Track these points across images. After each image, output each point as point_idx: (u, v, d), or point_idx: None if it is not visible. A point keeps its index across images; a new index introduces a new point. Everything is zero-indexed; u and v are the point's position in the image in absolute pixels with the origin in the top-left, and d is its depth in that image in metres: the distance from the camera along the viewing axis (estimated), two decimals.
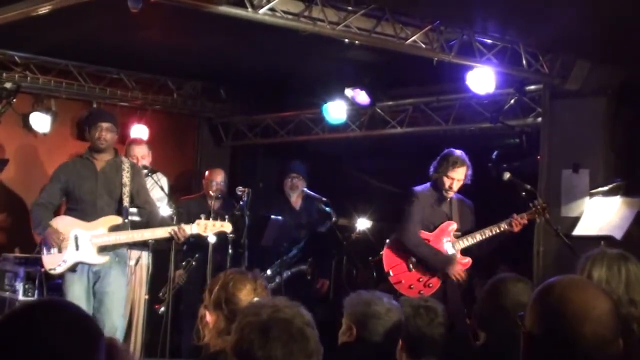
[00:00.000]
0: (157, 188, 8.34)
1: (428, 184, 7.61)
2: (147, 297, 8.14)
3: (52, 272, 7.23)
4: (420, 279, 7.45)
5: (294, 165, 9.72)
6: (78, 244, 7.15)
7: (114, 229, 7.22)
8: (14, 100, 9.82)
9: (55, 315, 2.10)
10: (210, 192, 9.06)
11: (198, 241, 8.18)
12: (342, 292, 7.84)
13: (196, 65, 10.36)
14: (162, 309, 8.25)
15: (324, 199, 8.85)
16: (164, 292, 8.25)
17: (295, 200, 9.66)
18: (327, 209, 8.72)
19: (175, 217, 7.69)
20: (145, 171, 8.33)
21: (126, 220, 7.26)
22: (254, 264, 8.80)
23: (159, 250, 7.88)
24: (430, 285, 7.42)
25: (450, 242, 7.44)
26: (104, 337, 2.18)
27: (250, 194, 8.38)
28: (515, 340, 3.36)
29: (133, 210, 7.55)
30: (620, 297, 3.52)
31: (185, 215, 8.63)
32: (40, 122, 10.24)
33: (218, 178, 9.34)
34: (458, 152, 7.50)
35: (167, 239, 7.31)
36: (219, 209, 8.91)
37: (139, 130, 10.80)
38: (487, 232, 7.40)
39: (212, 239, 7.48)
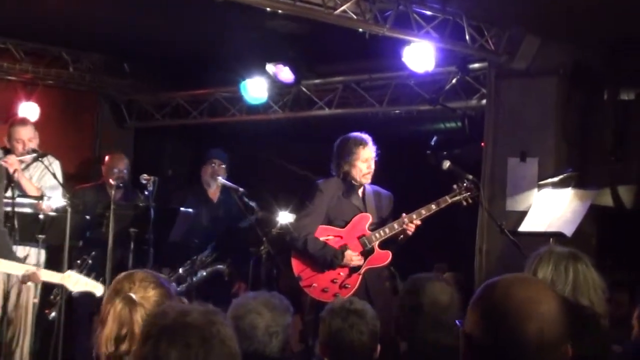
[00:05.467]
0: (49, 175, 8.19)
1: (335, 177, 7.61)
2: (36, 300, 8.03)
3: None
4: (335, 280, 7.41)
5: (216, 151, 9.66)
6: None
7: None
8: None
9: None
10: (111, 180, 8.95)
11: (95, 236, 8.09)
12: None
13: (96, 36, 10.22)
14: (54, 314, 8.13)
15: (241, 189, 8.81)
16: (55, 295, 8.14)
17: (214, 192, 9.61)
18: (250, 202, 8.69)
19: (69, 209, 7.58)
20: (34, 155, 8.19)
21: None
22: (161, 263, 8.74)
23: (50, 247, 7.77)
24: (347, 285, 7.39)
25: (365, 237, 7.44)
26: None
27: (156, 183, 8.30)
28: (434, 346, 3.43)
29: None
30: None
31: (82, 206, 8.53)
32: None
33: (120, 164, 9.24)
34: (355, 134, 7.52)
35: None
36: (120, 199, 8.83)
37: (28, 109, 10.63)
38: (406, 219, 7.41)
39: (76, 294, 7.37)
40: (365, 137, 7.46)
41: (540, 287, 2.55)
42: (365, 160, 7.41)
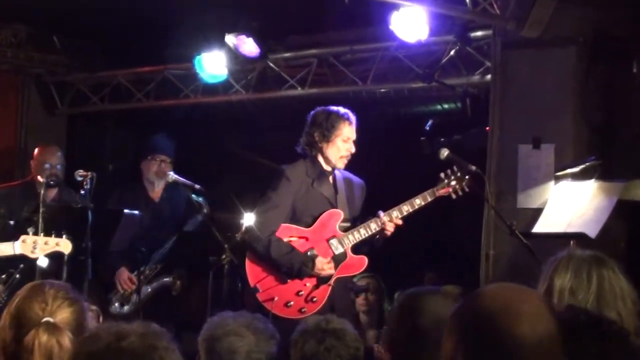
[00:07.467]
0: None
1: (301, 160, 7.58)
2: None
3: None
4: (300, 292, 7.34)
5: (162, 144, 9.63)
6: None
7: None
8: None
9: None
10: (40, 177, 8.93)
11: None
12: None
13: (20, 4, 10.19)
14: None
15: (197, 186, 8.79)
16: None
17: (157, 190, 9.58)
18: (199, 199, 8.66)
19: None
20: None
21: None
22: (101, 276, 8.72)
23: None
24: (315, 299, 7.34)
25: (336, 240, 7.41)
26: None
27: (94, 180, 8.28)
28: None
29: None
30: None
31: (5, 209, 8.50)
32: None
33: (52, 159, 9.22)
34: (338, 107, 7.54)
35: None
36: (52, 200, 8.79)
37: None
38: (385, 218, 7.40)
39: (42, 262, 7.35)
40: (350, 113, 7.46)
41: (521, 288, 2.60)
42: (347, 139, 7.41)
